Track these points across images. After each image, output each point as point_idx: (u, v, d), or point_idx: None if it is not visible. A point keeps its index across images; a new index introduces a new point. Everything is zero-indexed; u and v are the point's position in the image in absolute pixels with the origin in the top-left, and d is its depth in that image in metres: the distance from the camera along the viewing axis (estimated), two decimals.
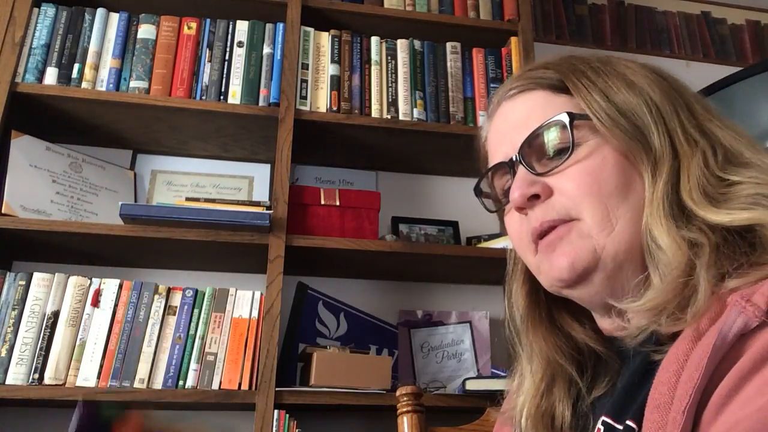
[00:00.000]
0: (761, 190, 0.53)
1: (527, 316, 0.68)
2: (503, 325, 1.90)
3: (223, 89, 1.58)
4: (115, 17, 1.60)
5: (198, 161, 1.76)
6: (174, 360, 1.33)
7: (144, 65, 1.55)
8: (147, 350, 1.33)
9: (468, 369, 1.64)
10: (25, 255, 1.53)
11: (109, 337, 1.32)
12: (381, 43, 1.72)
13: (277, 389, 1.33)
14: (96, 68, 1.54)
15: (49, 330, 1.31)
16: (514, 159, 0.63)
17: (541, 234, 0.60)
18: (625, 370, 0.60)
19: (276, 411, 1.31)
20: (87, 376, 1.29)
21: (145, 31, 1.59)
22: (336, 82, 1.64)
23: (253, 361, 1.36)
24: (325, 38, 1.69)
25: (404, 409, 0.95)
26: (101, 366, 1.30)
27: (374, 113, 1.64)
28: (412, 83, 1.68)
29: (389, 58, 1.71)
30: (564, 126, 0.60)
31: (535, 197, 0.60)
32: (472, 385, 1.39)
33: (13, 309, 1.31)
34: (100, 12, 1.59)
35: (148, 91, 1.53)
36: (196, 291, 1.40)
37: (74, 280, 1.35)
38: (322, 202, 1.56)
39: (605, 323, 0.64)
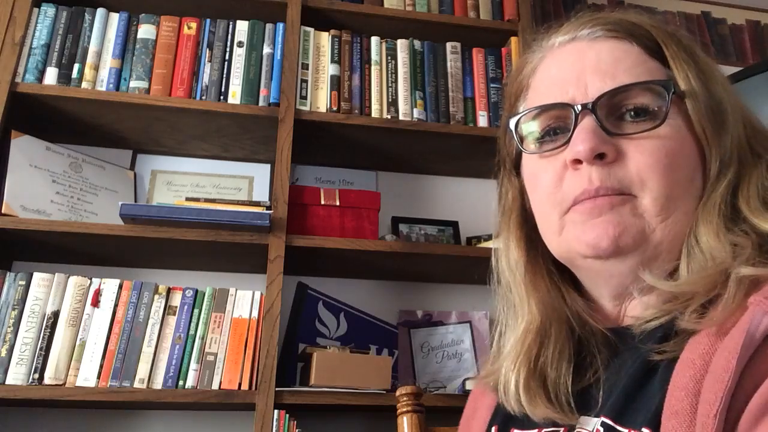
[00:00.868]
0: None
1: (527, 267, 0.63)
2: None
3: (223, 89, 1.58)
4: (115, 17, 1.60)
5: (198, 161, 1.76)
6: (174, 360, 1.33)
7: (144, 65, 1.55)
8: (147, 350, 1.33)
9: (468, 369, 1.64)
10: (25, 255, 1.53)
11: (109, 337, 1.32)
12: (381, 43, 1.72)
13: (277, 389, 1.33)
14: (96, 68, 1.54)
15: (49, 330, 1.31)
16: (584, 105, 0.56)
17: (591, 195, 0.55)
18: (615, 365, 0.57)
19: (276, 411, 1.31)
20: (87, 376, 1.29)
21: (145, 31, 1.59)
22: (336, 82, 1.64)
23: (253, 361, 1.36)
24: (325, 38, 1.69)
25: (404, 409, 0.95)
26: (101, 366, 1.30)
27: (374, 113, 1.64)
28: (412, 83, 1.68)
29: (389, 58, 1.71)
30: (663, 94, 0.56)
31: (600, 156, 0.55)
32: (472, 385, 1.39)
33: (13, 309, 1.31)
34: (100, 12, 1.59)
35: (148, 91, 1.53)
36: (196, 291, 1.40)
37: (74, 280, 1.35)
38: (322, 202, 1.56)
39: (608, 307, 0.61)
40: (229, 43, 1.62)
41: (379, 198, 1.62)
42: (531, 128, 0.61)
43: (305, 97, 1.61)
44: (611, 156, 0.55)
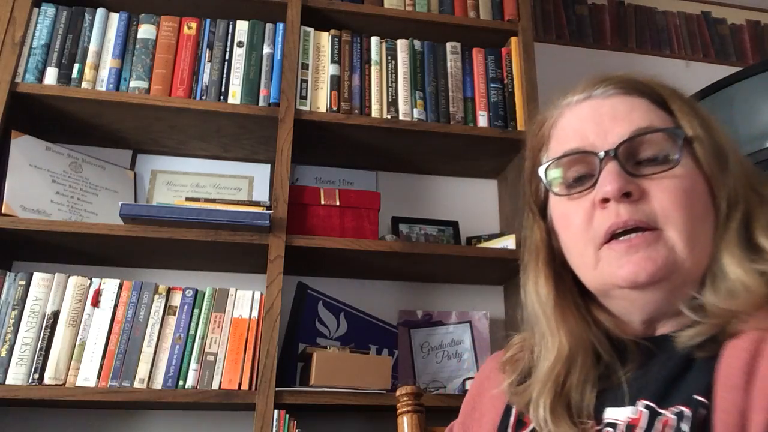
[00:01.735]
0: None
1: (556, 302, 0.69)
2: (503, 325, 1.89)
3: (223, 89, 1.58)
4: (115, 17, 1.60)
5: (198, 161, 1.76)
6: (174, 360, 1.33)
7: (144, 65, 1.55)
8: (147, 350, 1.33)
9: (468, 369, 1.64)
10: (25, 255, 1.53)
11: (109, 337, 1.32)
12: (381, 43, 1.72)
13: (277, 389, 1.33)
14: (96, 68, 1.54)
15: (49, 330, 1.31)
16: (607, 152, 0.63)
17: (621, 231, 0.62)
18: (649, 365, 0.62)
19: (276, 411, 1.31)
20: (87, 376, 1.29)
21: (145, 31, 1.59)
22: (336, 82, 1.64)
23: (253, 361, 1.36)
24: (325, 38, 1.69)
25: (404, 409, 0.95)
26: (101, 366, 1.30)
27: (374, 113, 1.64)
28: (412, 83, 1.68)
29: (389, 58, 1.71)
30: (675, 138, 0.64)
31: (626, 195, 0.62)
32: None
33: (13, 309, 1.31)
34: (100, 12, 1.59)
35: (148, 91, 1.53)
36: (196, 291, 1.40)
37: (74, 280, 1.35)
38: (322, 202, 1.56)
39: (639, 329, 0.66)
40: (229, 43, 1.62)
41: (379, 198, 1.62)
42: (558, 174, 0.68)
43: (305, 97, 1.61)
44: (636, 195, 0.62)
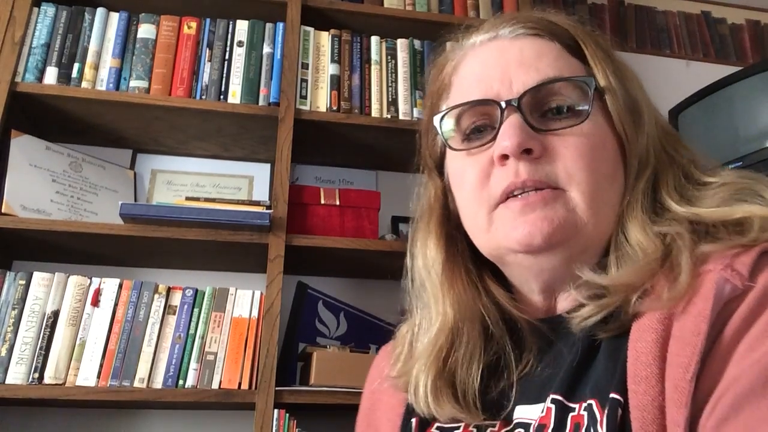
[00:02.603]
0: (731, 189, 0.54)
1: (445, 266, 0.63)
2: None
3: (223, 89, 1.58)
4: (115, 17, 1.60)
5: (198, 161, 1.76)
6: (174, 359, 1.33)
7: (144, 65, 1.55)
8: (147, 350, 1.33)
9: None
10: (25, 255, 1.53)
11: (109, 337, 1.32)
12: (381, 42, 1.72)
13: (276, 389, 1.33)
14: (96, 68, 1.54)
15: (49, 329, 1.30)
16: (509, 102, 0.56)
17: (519, 190, 0.55)
18: (550, 355, 0.57)
19: (276, 410, 1.31)
20: (87, 376, 1.29)
21: (145, 30, 1.59)
22: (336, 82, 1.64)
23: (253, 361, 1.36)
24: (325, 38, 1.69)
25: None
26: (101, 365, 1.30)
27: (374, 113, 1.63)
28: (412, 83, 1.68)
29: (389, 57, 1.71)
30: (586, 90, 0.57)
31: (527, 152, 0.55)
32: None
33: (13, 308, 1.31)
34: (100, 11, 1.59)
35: (148, 90, 1.53)
36: (196, 290, 1.40)
37: (74, 280, 1.35)
38: (322, 202, 1.56)
39: (538, 301, 0.61)
40: (229, 43, 1.62)
41: (379, 197, 1.62)
42: (456, 125, 0.61)
43: (305, 97, 1.60)
44: (537, 151, 0.55)
